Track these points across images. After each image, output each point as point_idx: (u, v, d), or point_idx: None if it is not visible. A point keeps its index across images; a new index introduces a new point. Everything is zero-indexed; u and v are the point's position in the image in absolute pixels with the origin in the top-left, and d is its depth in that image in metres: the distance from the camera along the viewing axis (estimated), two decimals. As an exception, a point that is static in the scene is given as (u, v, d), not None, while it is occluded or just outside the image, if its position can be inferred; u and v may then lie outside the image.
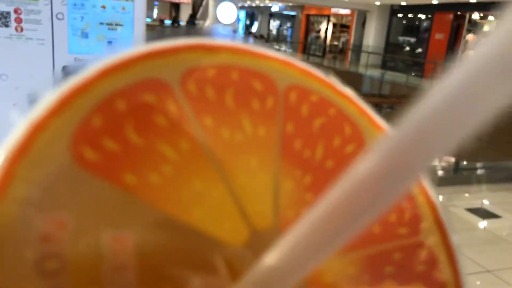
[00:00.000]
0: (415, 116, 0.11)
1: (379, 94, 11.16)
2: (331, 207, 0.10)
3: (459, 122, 0.10)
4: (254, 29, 24.05)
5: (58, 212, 0.12)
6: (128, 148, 0.13)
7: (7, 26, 1.72)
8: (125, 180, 0.13)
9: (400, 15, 15.76)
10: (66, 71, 0.15)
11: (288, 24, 23.10)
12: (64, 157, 0.13)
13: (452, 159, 6.91)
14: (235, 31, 14.74)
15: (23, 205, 0.12)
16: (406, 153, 0.11)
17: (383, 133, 0.18)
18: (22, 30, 1.74)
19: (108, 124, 0.14)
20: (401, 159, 0.11)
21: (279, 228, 0.14)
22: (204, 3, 13.70)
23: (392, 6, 15.57)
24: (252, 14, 24.79)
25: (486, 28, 15.18)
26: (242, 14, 23.62)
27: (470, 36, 14.66)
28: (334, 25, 20.06)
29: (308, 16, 20.79)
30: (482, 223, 4.23)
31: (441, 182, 5.33)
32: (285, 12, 22.62)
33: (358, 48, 16.66)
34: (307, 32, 21.01)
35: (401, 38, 15.87)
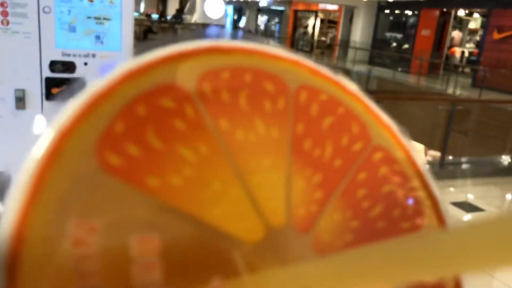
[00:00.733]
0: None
1: (366, 90, 11.24)
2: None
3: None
4: (242, 24, 23.97)
5: (87, 216, 0.13)
6: (149, 153, 0.14)
7: (-8, 19, 1.70)
8: (148, 183, 0.13)
9: (387, 11, 15.85)
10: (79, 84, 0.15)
11: (276, 19, 23.07)
12: (90, 163, 0.13)
13: (438, 154, 7.00)
14: (223, 26, 14.67)
15: (55, 210, 0.13)
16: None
17: (390, 131, 0.19)
18: (8, 23, 1.72)
19: (130, 130, 0.14)
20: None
21: (292, 225, 0.15)
22: (191, -3, 13.59)
23: (379, 2, 15.65)
24: (240, 9, 24.69)
25: (471, 25, 15.36)
26: (230, 8, 23.50)
27: (455, 33, 14.82)
28: (322, 20, 20.10)
29: (296, 11, 20.78)
30: (466, 217, 4.30)
31: (426, 177, 5.42)
32: (273, 7, 22.58)
33: (345, 44, 16.72)
34: (295, 27, 21.01)
35: (388, 34, 15.96)
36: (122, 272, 0.12)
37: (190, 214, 0.13)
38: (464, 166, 5.85)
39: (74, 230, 0.13)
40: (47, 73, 1.82)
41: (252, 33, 18.06)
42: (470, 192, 5.02)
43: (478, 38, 14.68)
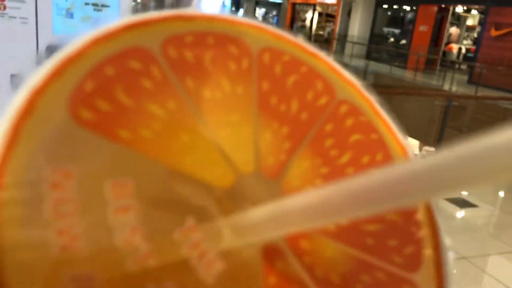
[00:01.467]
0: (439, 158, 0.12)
1: (363, 84, 11.24)
2: (358, 190, 0.12)
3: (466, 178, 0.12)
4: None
5: (63, 163, 0.14)
6: (119, 108, 0.15)
7: (-11, 3, 1.68)
8: (120, 135, 0.15)
9: (385, 6, 15.82)
10: (50, 49, 0.16)
11: (274, 12, 22.97)
12: (63, 117, 0.15)
13: (432, 149, 7.02)
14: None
15: (32, 159, 0.14)
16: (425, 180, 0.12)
17: (354, 87, 0.19)
18: (5, 8, 1.70)
19: (100, 88, 0.15)
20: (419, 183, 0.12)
21: (261, 172, 0.15)
22: (189, -12, 13.49)
23: (377, -4, 15.63)
24: (237, 1, 24.56)
25: (469, 21, 15.37)
26: (228, 0, 23.36)
27: (453, 29, 14.83)
28: (320, 14, 20.03)
29: (294, 4, 20.70)
30: (460, 212, 4.34)
31: (421, 172, 5.44)
32: (271, 0, 22.46)
33: (343, 38, 16.69)
34: (292, 20, 20.94)
35: (385, 29, 15.95)
36: (98, 214, 0.13)
37: (161, 162, 0.14)
38: (459, 162, 5.88)
39: (50, 175, 0.14)
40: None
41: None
42: (463, 188, 5.06)
43: (475, 35, 14.70)
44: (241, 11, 24.23)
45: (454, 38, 14.75)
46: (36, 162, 0.14)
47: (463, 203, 4.53)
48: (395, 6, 15.51)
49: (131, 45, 0.16)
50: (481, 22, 13.41)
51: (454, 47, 14.21)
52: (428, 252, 0.16)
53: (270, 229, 0.13)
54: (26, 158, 0.14)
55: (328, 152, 0.17)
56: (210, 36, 0.17)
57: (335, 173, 0.16)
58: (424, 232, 0.17)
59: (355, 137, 0.17)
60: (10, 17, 1.72)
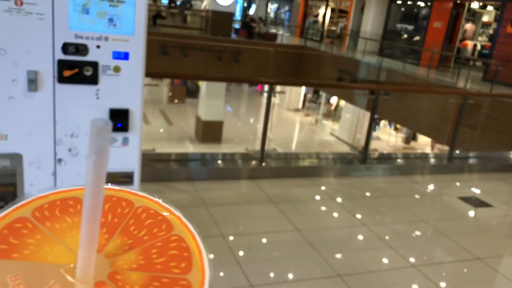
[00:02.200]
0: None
1: (375, 81, 11.15)
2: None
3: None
4: (251, 11, 23.78)
5: None
6: (12, 244, 0.27)
7: (6, -1, 1.69)
8: (13, 256, 0.27)
9: (399, 2, 15.65)
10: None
11: (286, 8, 22.86)
12: None
13: (445, 148, 6.94)
14: (232, 14, 14.57)
15: None
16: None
17: (187, 227, 0.30)
18: (22, 4, 1.71)
19: (3, 237, 0.28)
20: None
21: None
22: (201, -17, 13.47)
23: (391, -8, 15.44)
24: (250, -4, 24.46)
25: (484, 18, 15.13)
26: (240, -4, 23.28)
27: (468, 25, 14.61)
28: (333, 9, 19.88)
29: None
30: (474, 212, 4.28)
31: (434, 170, 5.38)
32: (284, -5, 22.34)
33: (355, 34, 16.56)
34: (305, 16, 20.82)
35: (399, 25, 15.78)
36: None
37: (36, 261, 0.27)
38: (472, 160, 5.81)
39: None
40: (60, 55, 1.82)
41: (263, 21, 17.91)
42: (478, 187, 4.99)
43: (491, 31, 14.47)
44: (253, 7, 24.14)
45: (469, 35, 14.54)
46: None
47: (477, 203, 4.47)
48: (409, 2, 15.33)
49: (15, 218, 0.29)
50: (497, 19, 13.19)
51: (469, 44, 14.01)
52: (195, 260, 0.27)
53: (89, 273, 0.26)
54: None
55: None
56: (58, 201, 0.31)
57: (136, 241, 0.29)
58: (191, 250, 0.28)
59: (148, 221, 0.30)
60: (27, 13, 1.73)
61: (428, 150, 12.74)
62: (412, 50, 14.21)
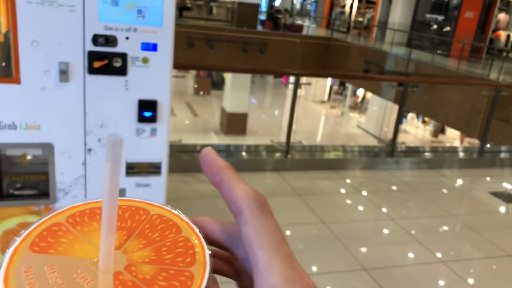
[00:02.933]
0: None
1: (403, 73, 10.92)
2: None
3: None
4: (277, 3, 23.62)
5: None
6: (50, 242, 0.32)
7: (39, -8, 1.72)
8: (50, 251, 0.32)
9: (429, -9, 15.23)
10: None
11: (312, -2, 22.57)
12: (26, 252, 0.31)
13: (476, 141, 6.74)
14: (258, 5, 14.51)
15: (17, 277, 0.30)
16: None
17: (193, 230, 0.35)
18: (54, -4, 1.74)
19: (41, 239, 0.33)
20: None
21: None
22: (228, -26, 13.43)
23: (421, -19, 15.05)
24: (275, -13, 24.28)
25: (519, 7, 14.58)
26: (266, -13, 23.15)
27: (502, 15, 14.11)
28: (360, 0, 19.53)
29: (333, -10, 20.25)
30: (505, 207, 4.16)
31: (464, 164, 5.25)
32: (310, -14, 22.07)
33: (383, 25, 16.24)
34: (331, 7, 20.53)
35: (428, 16, 15.38)
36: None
37: (69, 255, 0.32)
38: (504, 155, 5.64)
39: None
40: (90, 46, 1.84)
41: (288, 12, 17.76)
42: (510, 182, 4.84)
43: (525, 21, 13.93)
44: (279, -3, 23.95)
45: (502, 25, 14.05)
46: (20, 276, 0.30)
47: (509, 198, 4.35)
48: (439, -8, 14.90)
49: (51, 223, 0.34)
50: (532, 8, 12.68)
51: (502, 34, 13.54)
52: (199, 257, 0.32)
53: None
54: (14, 279, 0.29)
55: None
56: (87, 210, 0.36)
57: (149, 241, 0.34)
58: (196, 249, 0.33)
59: (160, 226, 0.35)
60: (59, 5, 1.76)
61: (457, 143, 12.44)
62: (442, 41, 13.84)
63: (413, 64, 11.16)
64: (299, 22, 18.40)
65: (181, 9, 14.96)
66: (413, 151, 5.50)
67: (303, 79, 5.50)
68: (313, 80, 12.90)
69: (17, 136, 1.89)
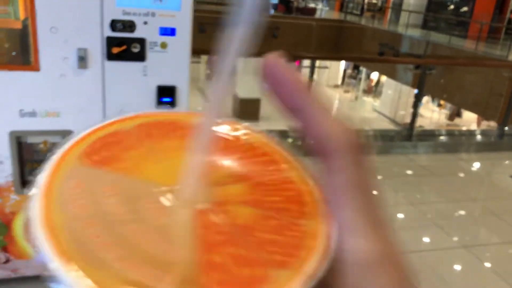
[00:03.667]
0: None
1: (419, 55, 10.72)
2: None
3: None
4: (289, -15, 23.26)
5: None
6: (108, 156, 0.26)
7: (56, -23, 1.70)
8: (110, 167, 0.25)
9: (445, -29, 14.86)
10: None
11: (325, -20, 22.19)
12: (75, 164, 0.25)
13: (493, 124, 6.62)
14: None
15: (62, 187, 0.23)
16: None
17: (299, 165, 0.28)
18: (71, -19, 1.72)
19: (93, 150, 0.26)
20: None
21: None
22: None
23: (437, -39, 14.67)
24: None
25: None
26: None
27: (521, -6, 13.70)
28: (374, -19, 19.13)
29: (346, -29, 19.87)
30: (527, 191, 4.09)
31: (483, 148, 5.16)
32: (322, -32, 21.68)
33: (398, 7, 15.92)
34: (344, -11, 20.15)
35: (445, -4, 15.03)
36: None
37: (137, 177, 0.25)
38: (525, 138, 5.51)
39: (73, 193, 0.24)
40: (108, 32, 1.82)
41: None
42: (531, 166, 4.75)
43: (546, 0, 13.52)
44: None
45: (521, 4, 13.65)
46: (65, 190, 0.23)
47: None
48: (456, -29, 14.53)
49: (114, 130, 0.27)
50: (553, -14, 12.30)
51: (521, 14, 13.17)
52: (318, 206, 0.24)
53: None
54: (60, 188, 0.23)
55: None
56: (166, 121, 0.29)
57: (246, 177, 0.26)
58: (315, 194, 0.25)
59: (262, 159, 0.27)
60: (76, -10, 1.74)
61: (473, 126, 12.25)
62: (459, 22, 13.53)
63: (430, 46, 10.94)
64: (312, 5, 18.13)
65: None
66: (430, 135, 5.42)
67: (318, 63, 5.43)
68: (327, 63, 12.74)
69: (37, 123, 1.89)
